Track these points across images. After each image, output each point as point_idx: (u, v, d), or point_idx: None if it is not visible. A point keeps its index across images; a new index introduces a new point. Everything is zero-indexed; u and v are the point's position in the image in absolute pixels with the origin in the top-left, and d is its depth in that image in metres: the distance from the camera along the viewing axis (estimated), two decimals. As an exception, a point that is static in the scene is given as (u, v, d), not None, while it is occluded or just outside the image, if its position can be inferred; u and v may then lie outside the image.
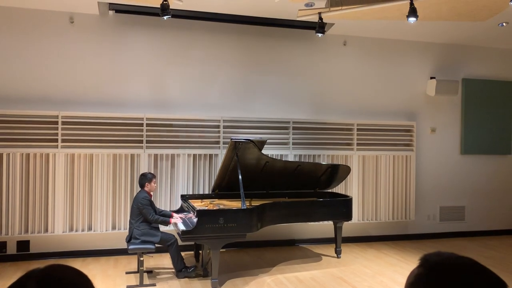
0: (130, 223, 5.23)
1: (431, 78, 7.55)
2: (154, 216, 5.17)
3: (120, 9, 6.12)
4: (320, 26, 5.71)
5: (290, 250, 6.69)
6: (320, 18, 5.67)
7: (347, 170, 6.25)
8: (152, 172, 6.11)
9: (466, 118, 7.79)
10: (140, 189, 5.34)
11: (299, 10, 5.67)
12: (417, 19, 5.06)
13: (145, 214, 5.11)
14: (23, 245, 5.94)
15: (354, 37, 7.22)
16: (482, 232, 7.86)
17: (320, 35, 5.82)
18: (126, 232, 5.55)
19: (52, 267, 0.90)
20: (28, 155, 5.86)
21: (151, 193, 5.36)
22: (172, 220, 5.27)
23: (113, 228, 6.15)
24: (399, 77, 7.50)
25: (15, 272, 5.40)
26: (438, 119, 7.71)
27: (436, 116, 7.69)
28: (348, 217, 6.04)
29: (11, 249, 5.90)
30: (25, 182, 5.85)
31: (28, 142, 5.85)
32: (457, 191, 7.79)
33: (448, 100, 7.73)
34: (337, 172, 6.19)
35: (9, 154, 5.79)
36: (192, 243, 5.86)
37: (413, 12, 5.00)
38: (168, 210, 5.83)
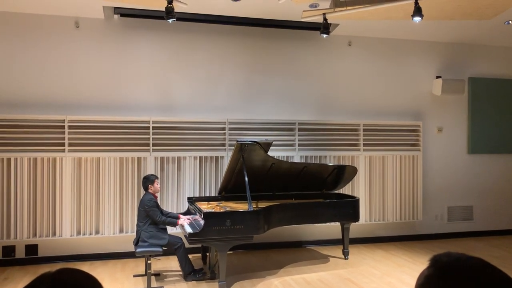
0: (138, 225, 5.25)
1: (437, 77, 7.52)
2: (161, 217, 5.18)
3: (125, 13, 6.16)
4: (324, 27, 5.71)
5: (297, 251, 6.68)
6: (325, 19, 5.67)
7: (353, 171, 6.23)
8: (158, 175, 6.14)
9: (473, 117, 7.75)
10: (145, 192, 5.37)
11: (304, 11, 5.67)
12: (422, 18, 5.05)
13: (152, 216, 5.13)
14: (31, 249, 5.97)
15: (359, 37, 7.21)
16: (491, 232, 7.80)
17: (324, 35, 5.81)
18: (133, 235, 5.57)
19: (63, 270, 0.90)
20: (35, 159, 5.90)
21: (156, 194, 5.37)
22: (180, 222, 5.28)
23: (121, 231, 6.17)
24: (404, 77, 7.47)
25: (24, 276, 5.43)
26: (445, 118, 7.67)
27: (442, 115, 7.65)
28: (356, 218, 6.02)
29: (20, 253, 5.94)
30: (32, 186, 5.89)
31: (35, 147, 5.89)
32: (464, 190, 7.74)
33: (454, 99, 7.69)
34: (343, 173, 6.18)
35: (16, 158, 5.83)
36: (199, 245, 5.87)
37: (418, 11, 4.99)
38: (175, 212, 5.84)
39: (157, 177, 5.41)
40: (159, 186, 5.43)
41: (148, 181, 5.31)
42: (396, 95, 7.43)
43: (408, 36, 7.32)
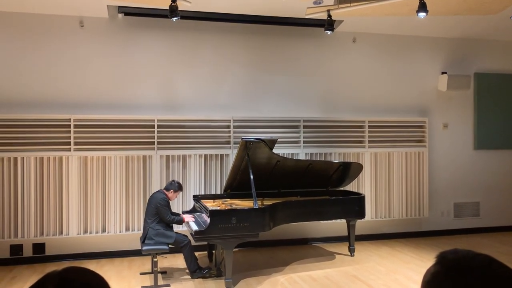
0: (146, 222, 5.27)
1: (443, 73, 7.48)
2: (171, 216, 5.23)
3: (129, 12, 6.17)
4: (329, 24, 5.70)
5: (303, 249, 6.68)
6: (329, 16, 5.66)
7: (359, 167, 6.22)
8: (164, 173, 6.19)
9: (479, 113, 7.70)
10: (159, 190, 5.43)
11: (308, 8, 5.66)
12: (427, 14, 5.02)
13: (162, 214, 5.16)
14: (38, 247, 6.01)
15: (363, 33, 7.18)
16: (497, 228, 7.76)
17: (329, 32, 5.80)
18: (139, 233, 5.60)
19: (69, 269, 0.91)
20: (41, 158, 5.93)
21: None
22: (185, 219, 5.33)
23: (127, 229, 6.20)
24: (410, 73, 7.44)
25: (32, 274, 5.47)
26: (451, 114, 7.63)
27: (448, 111, 7.61)
28: (361, 215, 6.01)
29: (27, 251, 5.98)
30: (39, 186, 5.93)
31: (41, 146, 5.92)
32: (471, 187, 7.70)
33: (460, 95, 7.64)
34: (349, 170, 6.17)
35: (23, 158, 5.87)
36: (205, 243, 5.88)
37: (422, 7, 4.96)
38: (180, 211, 5.88)
39: (181, 191, 5.51)
40: (175, 198, 5.49)
41: (174, 186, 5.36)
42: (401, 91, 7.40)
43: (413, 32, 7.28)
